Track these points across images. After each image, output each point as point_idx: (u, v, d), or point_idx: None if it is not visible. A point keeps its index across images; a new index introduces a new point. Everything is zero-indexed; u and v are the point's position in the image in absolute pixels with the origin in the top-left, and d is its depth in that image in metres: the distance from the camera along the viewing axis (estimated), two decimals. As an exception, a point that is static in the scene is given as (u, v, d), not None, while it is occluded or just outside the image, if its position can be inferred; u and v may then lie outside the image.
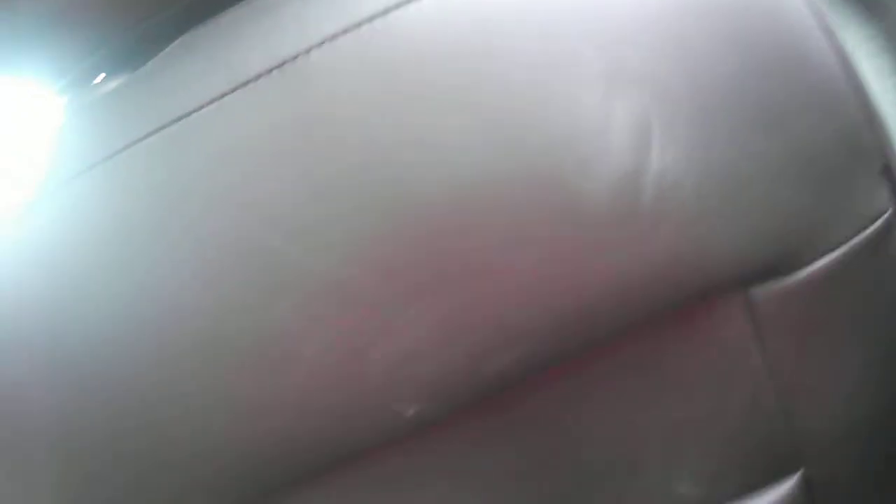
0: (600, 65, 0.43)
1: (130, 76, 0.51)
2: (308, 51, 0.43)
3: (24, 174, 0.46)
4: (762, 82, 0.45)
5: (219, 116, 0.43)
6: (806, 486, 0.55)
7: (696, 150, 0.44)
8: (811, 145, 0.45)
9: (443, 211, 0.42)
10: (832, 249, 0.47)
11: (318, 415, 0.45)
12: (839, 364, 0.51)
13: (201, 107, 0.43)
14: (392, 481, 0.50)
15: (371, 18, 0.43)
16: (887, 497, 0.58)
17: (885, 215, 0.48)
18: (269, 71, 0.43)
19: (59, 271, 0.44)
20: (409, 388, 0.45)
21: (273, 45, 0.44)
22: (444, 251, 0.43)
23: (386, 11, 0.43)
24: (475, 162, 0.42)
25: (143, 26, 0.54)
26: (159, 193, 0.43)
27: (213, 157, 0.43)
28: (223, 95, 0.43)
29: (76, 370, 0.44)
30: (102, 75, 0.58)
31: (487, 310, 0.44)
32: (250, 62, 0.43)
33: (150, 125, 0.44)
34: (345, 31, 0.43)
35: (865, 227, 0.48)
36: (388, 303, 0.43)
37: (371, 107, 0.43)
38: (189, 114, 0.44)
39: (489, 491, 0.52)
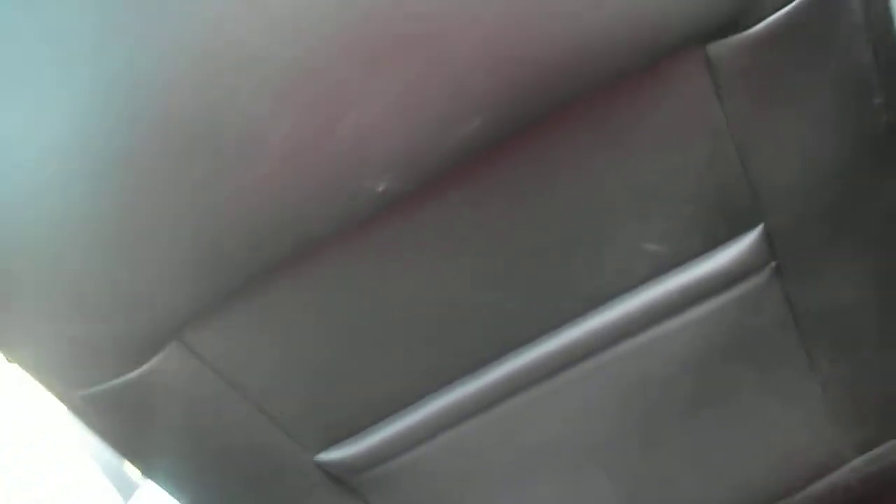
0: None
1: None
2: None
3: None
4: None
5: None
6: (767, 237, 0.58)
7: None
8: None
9: None
10: (784, 4, 0.48)
11: (293, 195, 0.46)
12: (796, 116, 0.53)
13: None
14: (371, 255, 0.52)
15: None
16: (842, 242, 0.60)
17: None
18: None
19: None
20: (378, 162, 0.46)
21: None
22: (403, 22, 0.43)
23: None
24: None
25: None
26: None
27: None
28: None
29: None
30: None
31: (447, 77, 0.44)
32: None
33: None
34: None
35: None
36: (350, 77, 0.43)
37: None
38: None
39: (464, 258, 0.54)
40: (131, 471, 0.86)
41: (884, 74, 0.54)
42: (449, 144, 0.46)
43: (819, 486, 0.76)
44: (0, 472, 0.76)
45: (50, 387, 0.53)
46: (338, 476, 0.63)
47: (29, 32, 0.41)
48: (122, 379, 0.53)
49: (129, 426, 0.58)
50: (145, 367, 0.53)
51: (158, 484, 0.64)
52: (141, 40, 0.42)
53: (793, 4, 0.48)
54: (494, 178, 0.50)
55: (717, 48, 0.49)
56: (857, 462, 0.75)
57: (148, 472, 0.64)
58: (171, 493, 0.64)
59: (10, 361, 0.53)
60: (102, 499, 0.77)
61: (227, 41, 0.42)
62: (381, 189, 0.47)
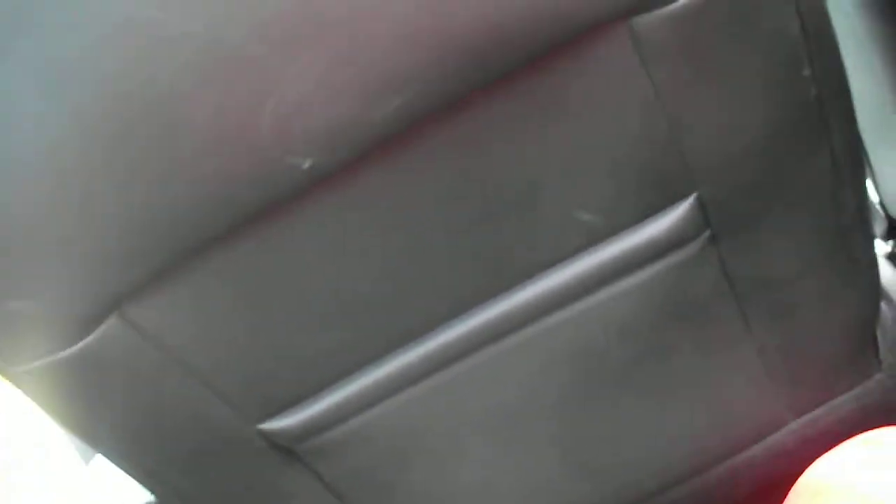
0: None
1: None
2: None
3: None
4: None
5: None
6: (700, 206, 0.59)
7: None
8: None
9: None
10: None
11: (219, 174, 0.47)
12: (724, 88, 0.53)
13: None
14: (304, 230, 0.52)
15: None
16: (774, 212, 0.61)
17: None
18: None
19: None
20: (302, 140, 0.46)
21: None
22: (319, 3, 0.43)
23: None
24: None
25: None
26: None
27: None
28: None
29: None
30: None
31: (369, 55, 0.45)
32: None
33: None
34: None
35: None
36: (272, 58, 0.44)
37: None
38: None
39: (398, 230, 0.55)
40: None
41: (812, 46, 0.54)
42: (372, 121, 0.47)
43: (759, 447, 0.78)
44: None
45: None
46: (282, 445, 0.64)
47: None
48: (63, 354, 0.53)
49: (71, 401, 0.59)
50: (85, 342, 0.53)
51: (105, 456, 0.65)
52: (62, 25, 0.42)
53: None
54: (423, 151, 0.51)
55: (642, 22, 0.49)
56: (795, 424, 0.77)
57: (94, 445, 0.64)
58: (118, 466, 0.65)
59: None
60: (64, 460, 0.78)
61: (144, 22, 0.42)
62: (306, 166, 0.47)
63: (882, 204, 0.88)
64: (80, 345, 0.53)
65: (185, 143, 0.45)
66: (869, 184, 0.82)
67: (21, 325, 0.52)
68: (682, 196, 0.58)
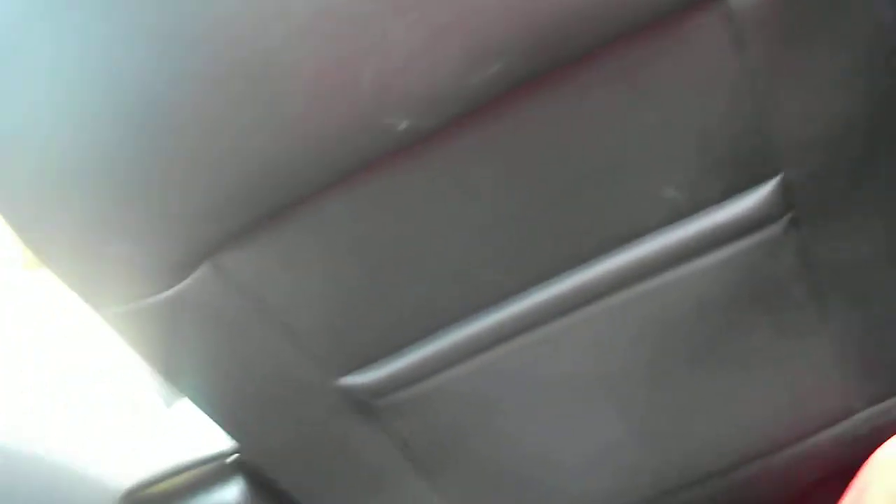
0: None
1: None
2: None
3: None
4: None
5: None
6: (785, 188, 0.59)
7: None
8: None
9: None
10: None
11: (317, 131, 0.48)
12: (815, 71, 0.54)
13: None
14: (396, 190, 0.54)
15: None
16: (859, 198, 0.61)
17: None
18: None
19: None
20: (401, 101, 0.48)
21: None
22: None
23: None
24: None
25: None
26: None
27: None
28: None
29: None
30: None
31: (472, 22, 0.46)
32: None
33: None
34: None
35: None
36: (379, 19, 0.45)
37: None
38: None
39: (482, 199, 0.56)
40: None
41: (907, 33, 0.54)
42: (470, 87, 0.48)
43: (826, 435, 0.78)
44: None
45: (87, 301, 0.56)
46: (359, 400, 0.66)
47: None
48: (157, 298, 0.56)
49: (161, 344, 0.61)
50: (179, 287, 0.56)
51: (190, 399, 0.68)
52: None
53: None
54: (515, 120, 0.52)
55: (739, 1, 0.49)
56: (865, 414, 0.77)
57: (179, 387, 0.67)
58: (202, 409, 0.68)
59: (50, 273, 0.56)
60: (147, 403, 0.80)
61: None
62: (402, 127, 0.48)
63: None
64: (173, 290, 0.56)
65: (286, 97, 0.47)
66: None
67: (118, 268, 0.55)
68: (766, 177, 0.59)
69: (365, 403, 0.67)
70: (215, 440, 0.78)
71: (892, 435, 0.73)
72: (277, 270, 0.57)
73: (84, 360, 0.79)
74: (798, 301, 0.67)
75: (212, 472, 0.80)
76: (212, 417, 0.68)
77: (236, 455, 0.79)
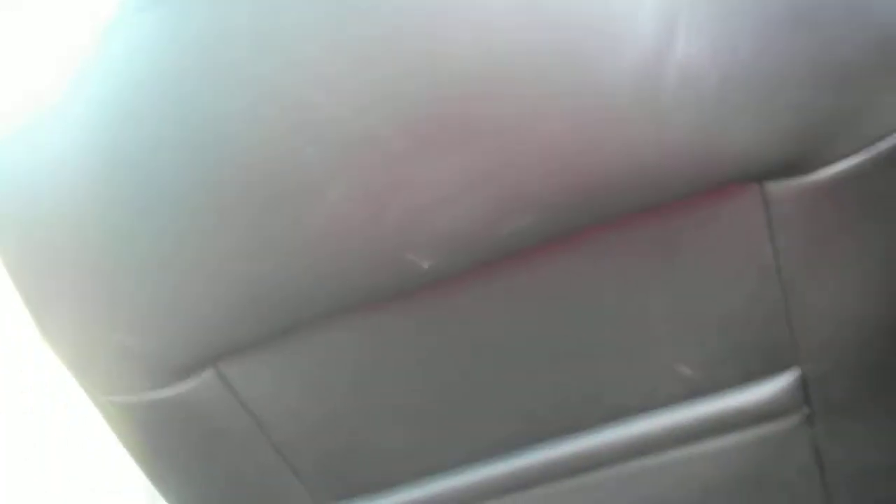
0: None
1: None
2: None
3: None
4: None
5: None
6: (802, 382, 0.57)
7: (721, 41, 0.45)
8: (840, 46, 0.46)
9: (475, 77, 0.45)
10: (852, 154, 0.49)
11: (338, 256, 0.48)
12: (846, 267, 0.53)
13: None
14: (408, 325, 0.53)
15: None
16: (878, 403, 0.59)
17: None
18: None
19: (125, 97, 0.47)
20: (426, 239, 0.48)
21: None
22: (472, 115, 0.45)
23: None
24: (509, 31, 0.45)
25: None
26: (211, 35, 0.46)
27: (266, 9, 0.46)
28: None
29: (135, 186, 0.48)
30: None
31: (508, 173, 0.46)
32: None
33: None
34: None
35: (885, 136, 0.49)
36: (413, 157, 0.45)
37: None
38: None
39: (497, 346, 0.55)
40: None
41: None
42: (496, 237, 0.48)
43: None
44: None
45: (82, 384, 0.56)
46: None
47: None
48: (154, 394, 0.55)
49: (150, 441, 0.60)
50: (178, 388, 0.55)
51: (166, 499, 0.66)
52: (233, 90, 0.45)
53: (858, 156, 0.49)
54: (537, 274, 0.52)
55: (776, 187, 0.49)
56: None
57: (160, 489, 0.65)
58: None
59: (51, 354, 0.55)
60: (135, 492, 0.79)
61: (303, 103, 0.45)
62: (426, 266, 0.48)
63: None
64: (173, 389, 0.55)
65: (312, 222, 0.47)
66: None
67: (121, 358, 0.54)
68: (785, 367, 0.58)
69: None
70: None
71: None
72: (280, 387, 0.56)
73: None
74: (805, 499, 0.65)
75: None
76: None
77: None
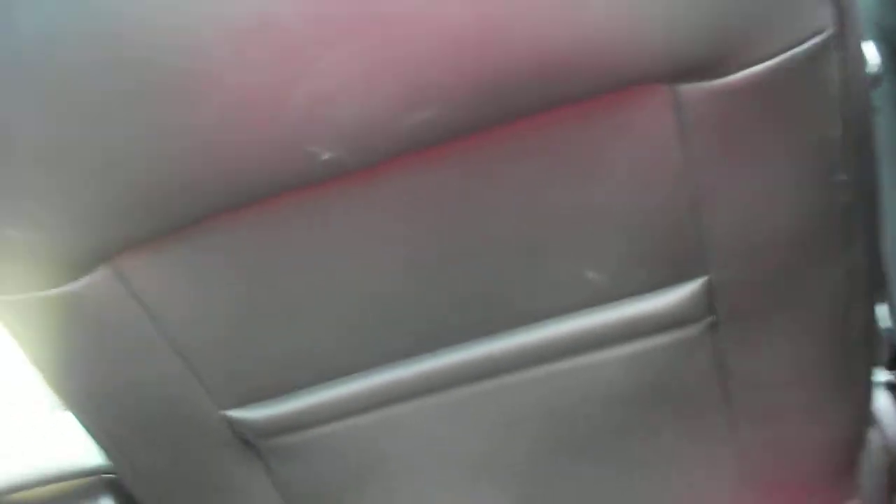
0: None
1: None
2: None
3: None
4: None
5: None
6: (707, 291, 0.58)
7: None
8: None
9: None
10: (765, 59, 0.48)
11: (236, 145, 0.47)
12: (755, 175, 0.53)
13: None
14: (308, 221, 0.52)
15: None
16: (782, 313, 0.60)
17: (824, 34, 0.48)
18: None
19: None
20: (326, 131, 0.46)
21: None
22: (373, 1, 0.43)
23: None
24: None
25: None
26: None
27: None
28: None
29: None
30: None
31: (409, 64, 0.45)
32: None
33: None
34: None
35: (802, 42, 0.48)
36: (313, 44, 0.44)
37: None
38: None
39: (400, 245, 0.54)
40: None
41: (851, 153, 0.54)
42: (399, 129, 0.47)
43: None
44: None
45: None
46: (243, 436, 0.64)
47: None
48: (49, 292, 0.53)
49: (47, 343, 0.58)
50: (74, 285, 0.53)
51: (68, 409, 0.65)
52: None
53: (774, 61, 0.48)
54: (440, 172, 0.50)
55: (689, 90, 0.48)
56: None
57: (60, 394, 0.64)
58: (78, 420, 0.64)
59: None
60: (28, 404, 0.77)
61: None
62: (324, 157, 0.47)
63: (893, 331, 0.86)
64: (69, 287, 0.53)
65: (208, 109, 0.45)
66: (885, 309, 0.81)
67: (12, 255, 0.52)
68: (692, 276, 0.58)
69: (249, 441, 0.64)
70: (91, 454, 0.75)
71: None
72: (179, 285, 0.55)
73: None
74: (706, 408, 0.66)
75: (79, 489, 0.76)
76: (87, 430, 0.65)
77: (110, 474, 0.76)
